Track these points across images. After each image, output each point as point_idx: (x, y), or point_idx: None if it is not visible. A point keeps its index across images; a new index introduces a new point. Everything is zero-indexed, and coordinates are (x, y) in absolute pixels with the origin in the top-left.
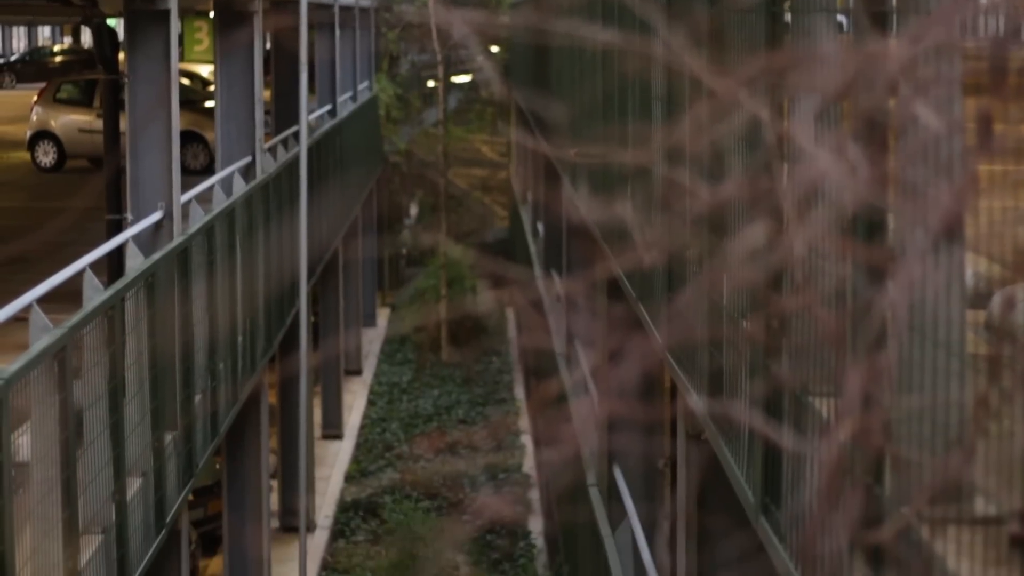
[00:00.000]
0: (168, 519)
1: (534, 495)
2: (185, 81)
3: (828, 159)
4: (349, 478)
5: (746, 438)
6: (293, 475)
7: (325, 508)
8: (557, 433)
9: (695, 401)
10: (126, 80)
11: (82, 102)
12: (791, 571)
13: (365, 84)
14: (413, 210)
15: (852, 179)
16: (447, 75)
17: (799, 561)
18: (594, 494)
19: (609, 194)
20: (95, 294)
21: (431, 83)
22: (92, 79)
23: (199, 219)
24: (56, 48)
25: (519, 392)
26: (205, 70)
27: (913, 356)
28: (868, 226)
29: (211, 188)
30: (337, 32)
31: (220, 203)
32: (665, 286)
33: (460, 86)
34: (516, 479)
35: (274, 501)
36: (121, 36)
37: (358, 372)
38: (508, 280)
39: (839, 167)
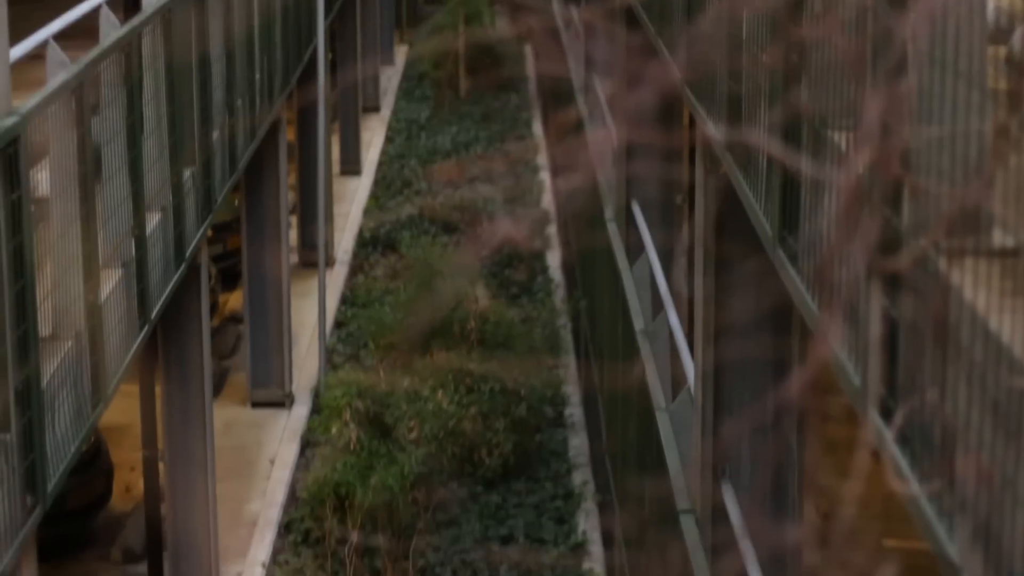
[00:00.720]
0: (187, 254)
1: (552, 231)
2: None
3: None
4: (367, 213)
5: (764, 169)
6: (312, 211)
7: (344, 243)
8: (575, 161)
9: (713, 130)
10: None
11: None
12: (807, 300)
13: None
14: None
15: None
16: None
17: (815, 290)
18: (612, 228)
19: None
20: (112, 30)
21: None
22: None
23: None
24: None
25: (537, 129)
26: None
27: (933, 87)
28: None
29: None
30: None
31: None
32: (684, 14)
33: None
34: (535, 214)
35: (293, 238)
36: None
37: (376, 109)
38: (526, 10)
39: None
